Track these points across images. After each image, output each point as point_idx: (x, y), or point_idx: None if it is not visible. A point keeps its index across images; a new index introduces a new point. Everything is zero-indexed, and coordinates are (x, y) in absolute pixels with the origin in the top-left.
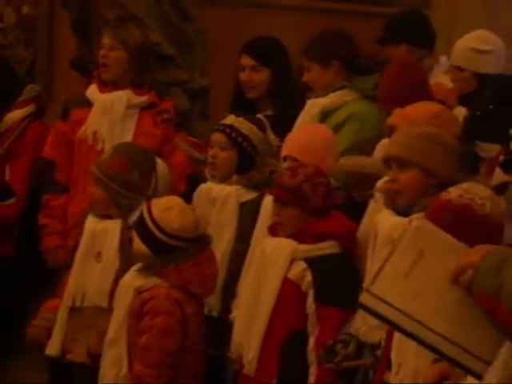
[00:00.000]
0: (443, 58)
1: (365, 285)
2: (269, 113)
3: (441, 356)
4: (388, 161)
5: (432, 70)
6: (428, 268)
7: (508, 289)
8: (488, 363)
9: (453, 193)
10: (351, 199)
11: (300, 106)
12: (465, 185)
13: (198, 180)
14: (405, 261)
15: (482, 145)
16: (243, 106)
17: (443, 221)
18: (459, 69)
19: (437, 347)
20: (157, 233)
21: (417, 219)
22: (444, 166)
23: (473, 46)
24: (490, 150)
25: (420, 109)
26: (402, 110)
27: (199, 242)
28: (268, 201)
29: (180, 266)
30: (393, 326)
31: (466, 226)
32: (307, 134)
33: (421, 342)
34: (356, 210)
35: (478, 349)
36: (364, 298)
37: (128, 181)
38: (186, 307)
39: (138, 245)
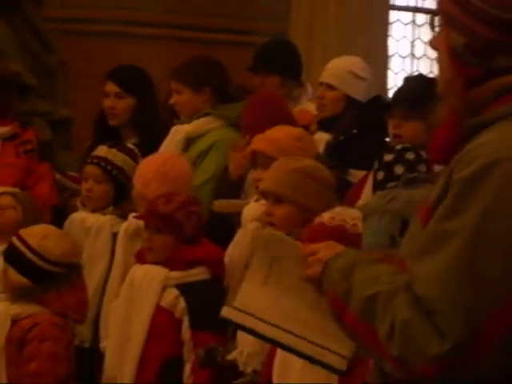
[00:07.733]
0: (310, 86)
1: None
2: (134, 141)
3: (300, 356)
4: (264, 194)
5: (300, 99)
6: (282, 274)
7: (356, 293)
8: (346, 358)
9: (325, 216)
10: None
11: (164, 134)
12: (336, 209)
13: (64, 211)
14: (261, 270)
15: (354, 172)
16: (106, 133)
17: (319, 242)
18: (330, 87)
19: (295, 348)
20: (38, 262)
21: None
22: (319, 201)
23: (352, 70)
24: (359, 176)
25: (282, 132)
26: (263, 134)
27: (76, 267)
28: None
29: (61, 292)
30: (253, 334)
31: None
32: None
33: (280, 345)
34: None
35: (334, 345)
36: (224, 311)
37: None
38: (68, 333)
39: (15, 277)
